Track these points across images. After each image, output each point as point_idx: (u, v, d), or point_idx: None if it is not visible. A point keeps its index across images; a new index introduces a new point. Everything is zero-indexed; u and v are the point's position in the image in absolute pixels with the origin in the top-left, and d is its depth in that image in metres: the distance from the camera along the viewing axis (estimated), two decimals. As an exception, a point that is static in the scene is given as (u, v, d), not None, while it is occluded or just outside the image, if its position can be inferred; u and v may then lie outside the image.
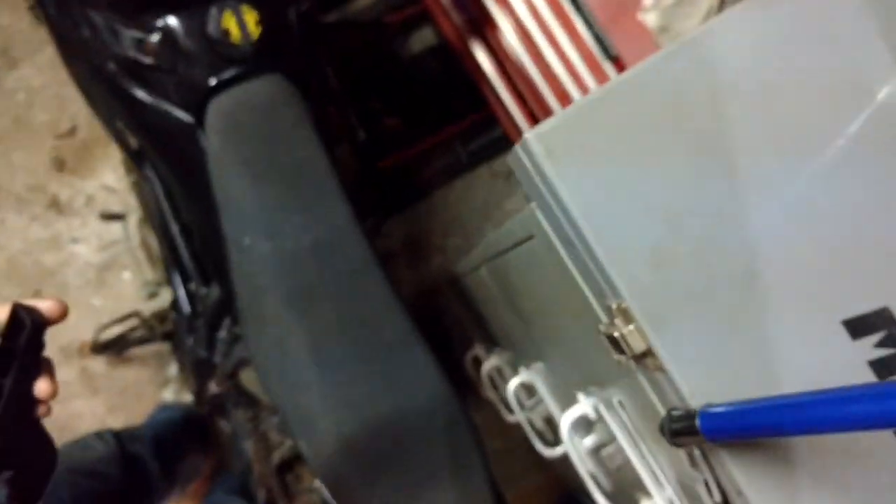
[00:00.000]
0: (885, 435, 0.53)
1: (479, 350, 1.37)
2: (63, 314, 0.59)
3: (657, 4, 1.04)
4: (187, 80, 1.04)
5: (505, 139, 1.87)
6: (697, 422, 0.49)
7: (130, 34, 1.02)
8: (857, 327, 0.56)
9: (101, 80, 1.09)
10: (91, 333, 1.92)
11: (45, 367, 0.59)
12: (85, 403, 1.90)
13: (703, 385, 0.58)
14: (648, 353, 0.62)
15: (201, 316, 1.26)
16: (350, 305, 1.03)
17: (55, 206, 1.95)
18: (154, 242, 1.38)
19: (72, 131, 1.97)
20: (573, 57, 1.22)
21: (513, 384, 1.02)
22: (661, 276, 0.62)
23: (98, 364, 1.89)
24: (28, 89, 1.99)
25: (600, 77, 1.29)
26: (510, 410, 1.13)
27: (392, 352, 0.97)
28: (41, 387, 0.59)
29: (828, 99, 0.67)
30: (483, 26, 1.49)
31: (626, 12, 1.09)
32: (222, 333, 1.26)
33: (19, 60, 2.00)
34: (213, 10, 1.01)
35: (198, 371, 1.32)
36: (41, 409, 0.59)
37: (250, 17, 1.02)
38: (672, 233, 0.64)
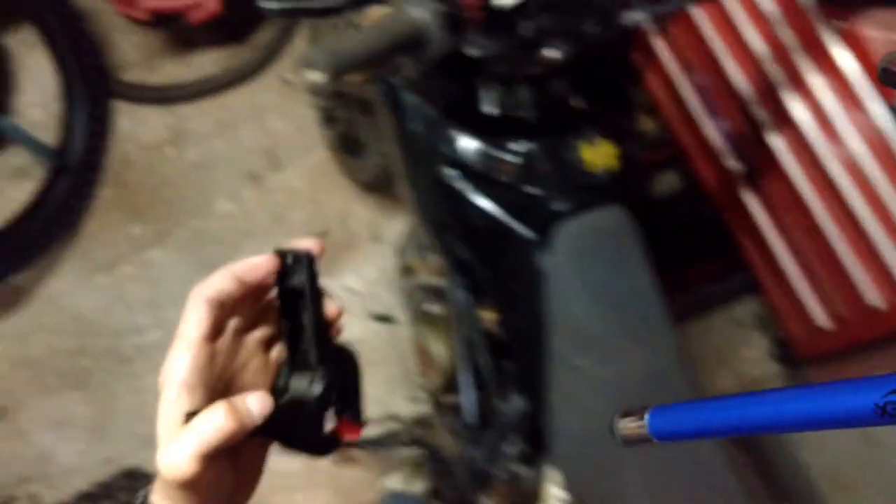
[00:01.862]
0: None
1: None
2: (322, 249, 0.59)
3: None
4: (537, 200, 1.09)
5: (749, 287, 1.87)
6: (646, 423, 0.48)
7: (493, 154, 1.09)
8: None
9: (447, 192, 1.16)
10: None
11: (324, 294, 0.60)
12: (304, 498, 1.93)
13: None
14: None
15: (492, 427, 1.28)
16: (679, 446, 1.02)
17: (299, 301, 2.05)
18: (436, 348, 1.43)
19: (324, 234, 2.10)
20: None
21: None
22: None
23: (322, 460, 1.93)
24: (288, 190, 2.14)
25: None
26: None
27: None
28: (331, 310, 0.60)
29: None
30: (762, 176, 1.51)
31: None
32: (509, 448, 1.27)
33: (284, 163, 2.16)
34: (574, 141, 1.07)
35: (474, 482, 1.33)
36: (334, 331, 0.62)
37: (608, 150, 1.08)
38: None
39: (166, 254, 2.09)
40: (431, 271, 1.53)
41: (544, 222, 1.09)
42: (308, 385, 0.56)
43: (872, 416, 0.34)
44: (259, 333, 0.60)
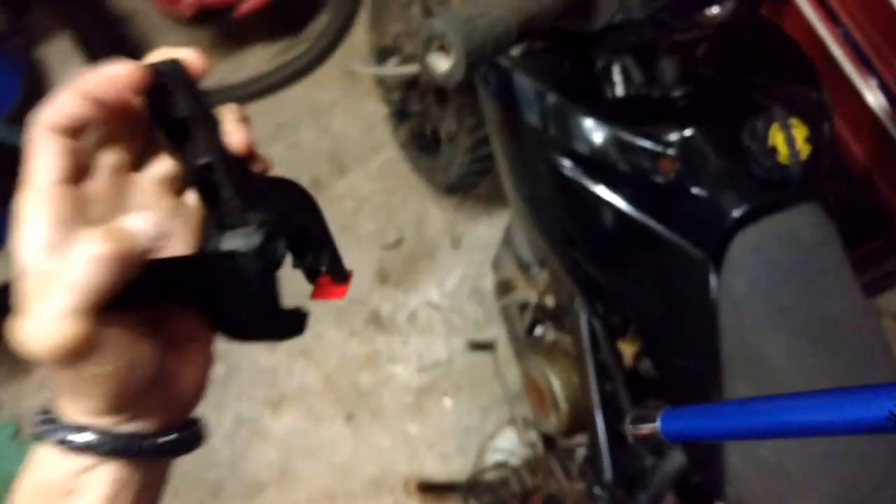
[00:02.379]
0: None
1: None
2: (202, 61, 0.42)
3: None
4: (706, 206, 0.83)
5: (897, 276, 1.60)
6: (658, 425, 0.48)
7: (638, 146, 0.84)
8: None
9: (574, 196, 0.91)
10: (405, 464, 1.75)
11: (224, 120, 0.43)
12: (393, 544, 1.71)
13: None
14: None
15: (638, 487, 1.03)
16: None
17: (375, 321, 1.82)
18: (552, 383, 1.18)
19: (398, 242, 1.86)
20: None
21: None
22: None
23: (411, 502, 1.71)
24: (356, 197, 1.91)
25: None
26: None
27: None
28: (237, 136, 0.43)
29: None
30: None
31: None
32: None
33: (349, 167, 1.93)
34: (758, 124, 0.80)
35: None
36: (256, 166, 0.45)
37: (799, 133, 0.81)
38: None
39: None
40: (538, 288, 1.28)
41: (715, 232, 0.83)
42: (244, 239, 0.40)
43: (886, 423, 0.33)
44: (157, 170, 0.44)
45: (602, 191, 0.89)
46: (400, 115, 1.67)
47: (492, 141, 1.06)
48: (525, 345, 1.34)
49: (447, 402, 1.76)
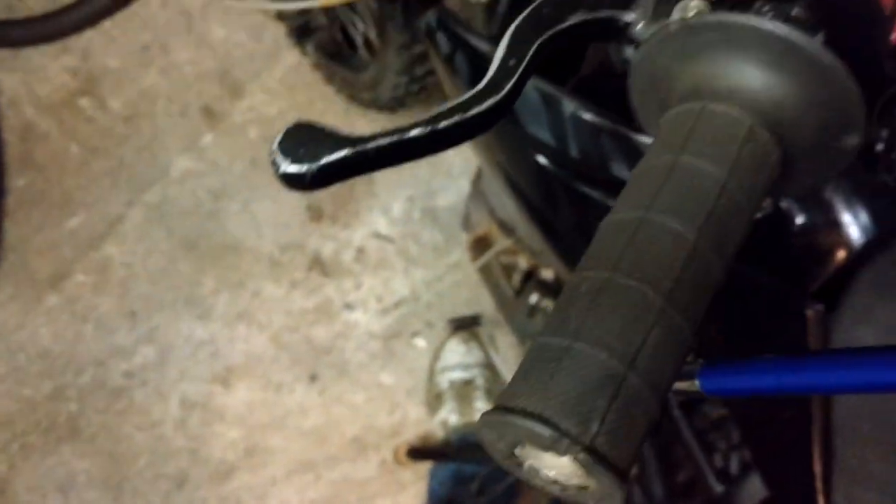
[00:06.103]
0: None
1: None
2: None
3: None
4: (814, 234, 0.59)
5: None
6: (697, 382, 0.44)
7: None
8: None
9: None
10: (385, 418, 1.57)
11: None
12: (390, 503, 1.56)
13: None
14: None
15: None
16: None
17: (318, 265, 1.56)
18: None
19: (325, 169, 1.55)
20: None
21: None
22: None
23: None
24: (261, 121, 1.57)
25: None
26: None
27: None
28: None
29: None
30: None
31: None
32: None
33: (244, 86, 1.57)
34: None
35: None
36: None
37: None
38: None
39: (124, 245, 1.56)
40: (529, 257, 1.03)
41: (824, 267, 0.59)
42: None
43: None
44: None
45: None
46: (302, 31, 1.31)
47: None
48: (519, 312, 1.11)
49: (419, 342, 1.55)
